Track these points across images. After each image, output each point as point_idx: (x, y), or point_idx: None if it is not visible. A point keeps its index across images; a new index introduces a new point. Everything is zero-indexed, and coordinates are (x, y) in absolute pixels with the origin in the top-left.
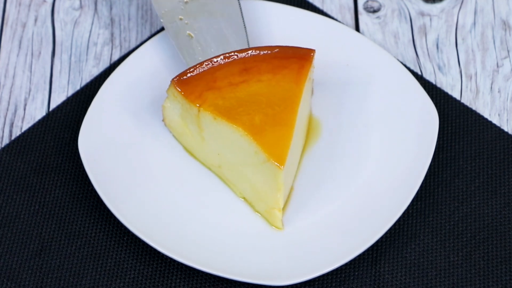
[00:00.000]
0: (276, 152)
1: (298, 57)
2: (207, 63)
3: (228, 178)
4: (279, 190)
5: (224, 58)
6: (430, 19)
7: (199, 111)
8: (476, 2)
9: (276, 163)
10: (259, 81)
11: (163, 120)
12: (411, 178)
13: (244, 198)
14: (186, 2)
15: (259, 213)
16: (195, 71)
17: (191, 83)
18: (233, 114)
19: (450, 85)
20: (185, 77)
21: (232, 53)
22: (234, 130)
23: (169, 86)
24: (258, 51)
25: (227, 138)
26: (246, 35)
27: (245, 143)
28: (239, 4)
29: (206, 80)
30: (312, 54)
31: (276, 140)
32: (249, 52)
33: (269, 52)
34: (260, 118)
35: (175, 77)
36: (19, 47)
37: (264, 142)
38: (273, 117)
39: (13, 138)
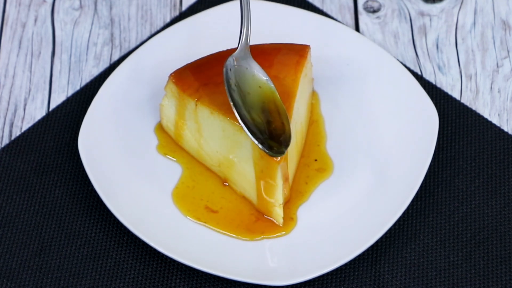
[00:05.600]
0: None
1: (294, 53)
2: (204, 60)
3: (228, 177)
4: (277, 185)
5: (221, 55)
6: (430, 19)
7: (196, 105)
8: (476, 2)
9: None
10: None
11: (160, 122)
12: (411, 178)
13: (244, 197)
14: None
15: (260, 211)
16: (193, 66)
17: (189, 78)
18: (230, 108)
19: (450, 85)
20: (182, 72)
21: (229, 50)
22: (230, 125)
23: (167, 82)
24: (254, 48)
25: (224, 133)
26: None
27: (242, 138)
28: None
29: (203, 76)
30: (307, 49)
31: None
32: None
33: (264, 48)
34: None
35: (173, 73)
36: (19, 47)
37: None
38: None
39: (13, 138)
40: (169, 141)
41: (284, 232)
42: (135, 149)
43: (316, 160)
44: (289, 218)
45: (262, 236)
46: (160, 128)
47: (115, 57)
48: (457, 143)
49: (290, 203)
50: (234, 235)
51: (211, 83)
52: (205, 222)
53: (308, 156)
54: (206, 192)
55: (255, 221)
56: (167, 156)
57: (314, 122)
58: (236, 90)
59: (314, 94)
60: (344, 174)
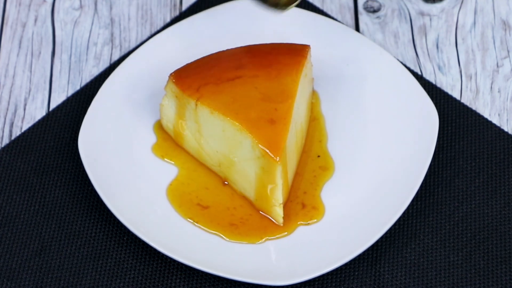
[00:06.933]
0: (272, 145)
1: (294, 53)
2: (204, 60)
3: (228, 177)
4: (277, 185)
5: (221, 54)
6: (430, 19)
7: (196, 105)
8: (476, 2)
9: (272, 156)
10: (255, 76)
11: (159, 120)
12: (411, 178)
13: (245, 196)
14: None
15: (261, 210)
16: (193, 66)
17: (189, 78)
18: (230, 108)
19: (450, 85)
20: (182, 72)
21: (229, 50)
22: (230, 125)
23: (167, 82)
24: (254, 48)
25: (224, 133)
26: None
27: (242, 138)
28: None
29: (203, 75)
30: (307, 49)
31: (272, 134)
32: (245, 48)
33: (264, 48)
34: (256, 112)
35: (173, 73)
36: (19, 47)
37: (260, 136)
38: (269, 112)
39: (13, 138)
40: (167, 141)
41: (286, 233)
42: (135, 149)
43: (319, 156)
44: (312, 208)
45: (264, 238)
46: (159, 127)
47: (115, 57)
48: (457, 143)
49: (308, 194)
50: (237, 240)
51: (211, 83)
52: (197, 221)
53: (310, 151)
54: (199, 189)
55: (249, 219)
56: (165, 159)
57: (315, 119)
58: None
59: (314, 93)
60: (344, 174)
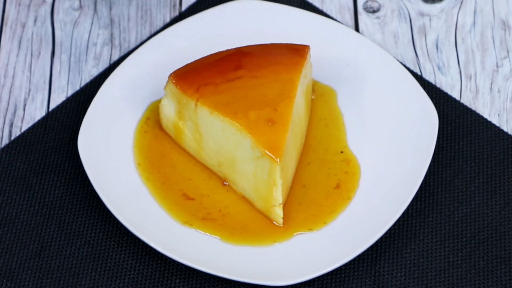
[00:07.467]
0: (272, 146)
1: (293, 53)
2: (204, 60)
3: (228, 177)
4: (277, 185)
5: (221, 55)
6: (430, 19)
7: (196, 105)
8: (475, 2)
9: (272, 157)
10: (255, 76)
11: (160, 122)
12: (411, 178)
13: (244, 197)
14: None
15: (260, 211)
16: (192, 67)
17: (189, 78)
18: (230, 109)
19: (449, 85)
20: (182, 72)
21: (229, 50)
22: (230, 125)
23: (167, 82)
24: (254, 48)
25: (223, 133)
26: None
27: (241, 138)
28: None
29: (203, 76)
30: (306, 49)
31: (272, 134)
32: (245, 48)
33: (264, 49)
34: (256, 113)
35: (173, 73)
36: (19, 47)
37: (260, 136)
38: (268, 112)
39: (12, 138)
40: (148, 155)
41: (286, 233)
42: (134, 149)
43: (342, 152)
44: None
45: (265, 239)
46: (146, 126)
47: (115, 57)
48: (457, 143)
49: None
50: (237, 242)
51: (211, 83)
52: (191, 225)
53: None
54: (184, 181)
55: (247, 220)
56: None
57: (322, 95)
58: None
59: (330, 90)
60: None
